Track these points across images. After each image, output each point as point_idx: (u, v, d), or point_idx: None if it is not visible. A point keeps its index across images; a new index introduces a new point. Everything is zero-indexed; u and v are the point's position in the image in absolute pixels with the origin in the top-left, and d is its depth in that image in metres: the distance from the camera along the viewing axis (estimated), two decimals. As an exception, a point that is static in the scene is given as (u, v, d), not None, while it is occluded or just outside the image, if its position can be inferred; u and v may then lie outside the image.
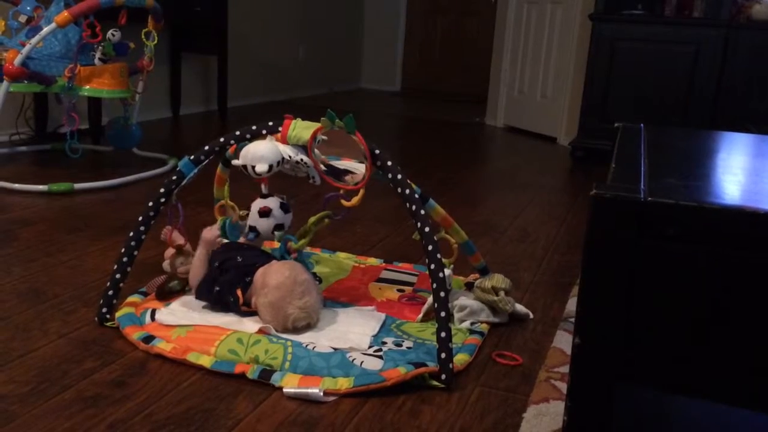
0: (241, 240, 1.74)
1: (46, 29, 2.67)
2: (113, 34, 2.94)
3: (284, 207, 1.72)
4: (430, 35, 7.28)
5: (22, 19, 2.93)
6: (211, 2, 4.45)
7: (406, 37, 7.37)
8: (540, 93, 4.76)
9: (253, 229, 1.70)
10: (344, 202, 1.63)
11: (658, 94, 3.85)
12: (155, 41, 3.08)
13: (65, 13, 2.64)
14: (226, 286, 1.61)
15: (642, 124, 1.65)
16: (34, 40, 2.66)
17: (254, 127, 1.62)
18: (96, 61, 2.89)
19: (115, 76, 2.89)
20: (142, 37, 3.04)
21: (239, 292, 1.60)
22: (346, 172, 1.62)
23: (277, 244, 1.86)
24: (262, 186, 1.73)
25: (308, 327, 1.57)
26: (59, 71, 2.79)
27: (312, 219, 1.80)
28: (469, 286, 1.90)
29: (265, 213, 1.68)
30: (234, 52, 4.96)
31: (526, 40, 4.89)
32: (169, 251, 1.81)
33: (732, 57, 3.73)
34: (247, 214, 1.73)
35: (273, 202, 1.70)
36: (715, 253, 0.92)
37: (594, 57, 3.95)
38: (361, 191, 1.59)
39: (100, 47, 2.89)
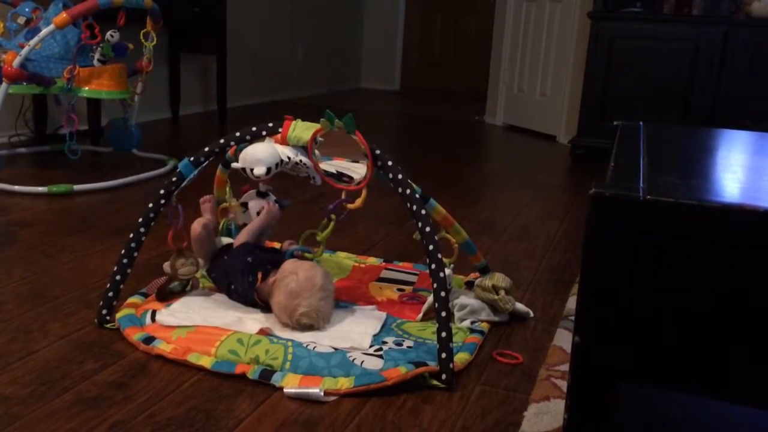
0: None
1: (44, 31, 2.67)
2: (112, 35, 2.94)
3: (279, 206, 1.84)
4: (429, 34, 7.28)
5: (21, 20, 2.93)
6: (210, 2, 4.45)
7: (405, 36, 7.37)
8: (539, 91, 4.76)
9: (244, 205, 1.83)
10: (349, 206, 1.63)
11: (658, 92, 3.85)
12: (154, 42, 3.08)
13: (64, 15, 2.63)
14: (256, 265, 1.65)
15: (641, 122, 1.65)
16: (32, 42, 2.66)
17: (254, 128, 1.62)
18: (95, 62, 2.89)
19: (114, 77, 2.89)
20: (141, 37, 3.04)
21: (260, 275, 1.62)
22: (346, 173, 1.63)
23: (277, 245, 1.88)
24: (260, 184, 1.76)
25: (309, 328, 1.57)
26: (58, 72, 2.79)
27: (326, 232, 1.79)
28: (470, 285, 1.90)
29: (262, 194, 1.82)
30: (233, 52, 4.96)
31: (525, 39, 4.89)
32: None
33: (731, 54, 3.73)
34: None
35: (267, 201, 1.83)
36: (714, 251, 0.92)
37: (593, 55, 3.94)
38: (364, 192, 1.59)
39: (98, 48, 2.88)
